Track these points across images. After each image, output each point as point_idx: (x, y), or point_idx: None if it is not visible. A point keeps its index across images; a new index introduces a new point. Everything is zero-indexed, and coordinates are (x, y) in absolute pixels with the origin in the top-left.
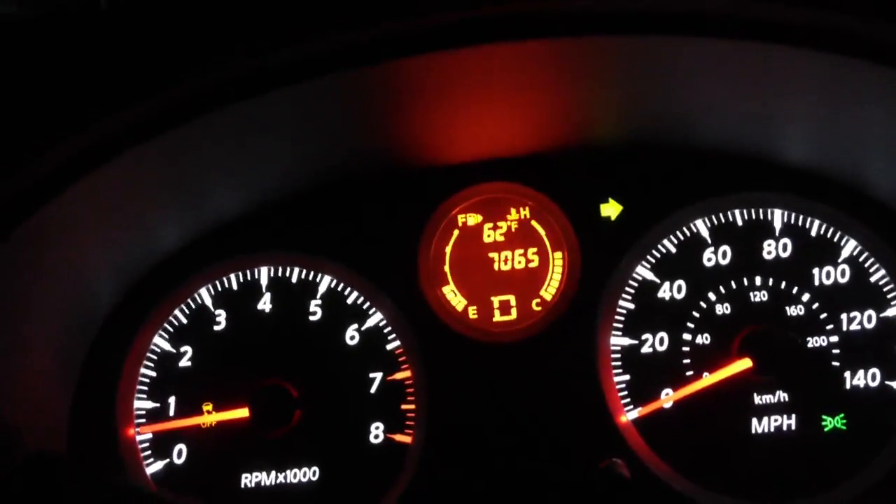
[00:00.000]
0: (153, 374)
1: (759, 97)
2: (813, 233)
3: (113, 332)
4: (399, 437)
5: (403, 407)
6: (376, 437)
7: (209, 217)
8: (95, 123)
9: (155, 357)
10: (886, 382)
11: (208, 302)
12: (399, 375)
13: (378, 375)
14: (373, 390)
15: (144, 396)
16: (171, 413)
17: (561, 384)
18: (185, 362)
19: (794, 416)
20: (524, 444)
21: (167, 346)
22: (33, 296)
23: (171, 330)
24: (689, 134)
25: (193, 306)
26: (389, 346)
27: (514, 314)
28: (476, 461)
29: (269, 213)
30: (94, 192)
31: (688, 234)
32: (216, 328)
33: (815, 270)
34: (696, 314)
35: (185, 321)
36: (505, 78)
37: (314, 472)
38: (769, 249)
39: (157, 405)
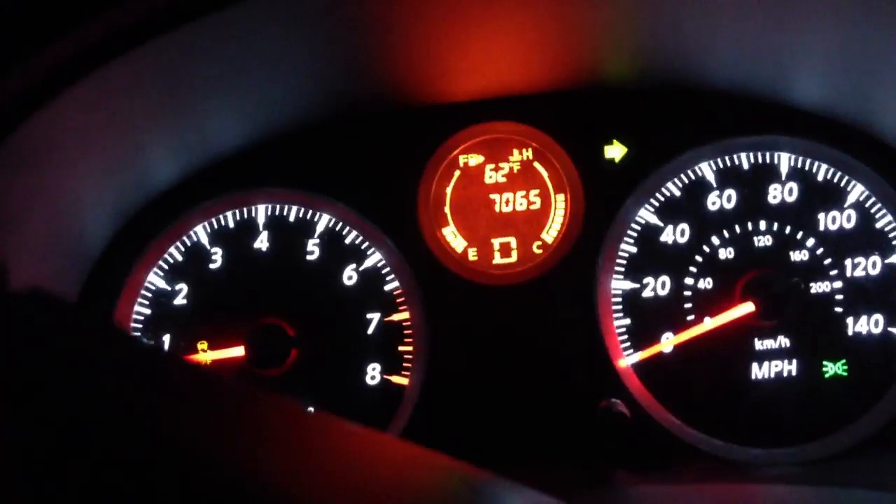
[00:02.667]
0: (148, 311)
1: (770, 32)
2: (819, 177)
3: (107, 269)
4: (396, 379)
5: (401, 348)
6: (373, 378)
7: (205, 151)
8: (66, 33)
9: (150, 295)
10: (889, 329)
11: (204, 240)
12: (397, 317)
13: (376, 316)
14: (370, 331)
15: (139, 334)
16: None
17: (560, 328)
18: (180, 300)
19: (794, 361)
20: (522, 388)
21: (162, 284)
22: (21, 230)
23: (167, 267)
24: (697, 75)
25: (189, 244)
26: (388, 287)
27: (514, 256)
28: (473, 404)
29: (267, 149)
30: (80, 109)
31: (692, 177)
32: (212, 266)
33: (821, 215)
34: (698, 258)
35: (180, 259)
36: (510, 9)
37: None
38: (775, 194)
39: (152, 343)
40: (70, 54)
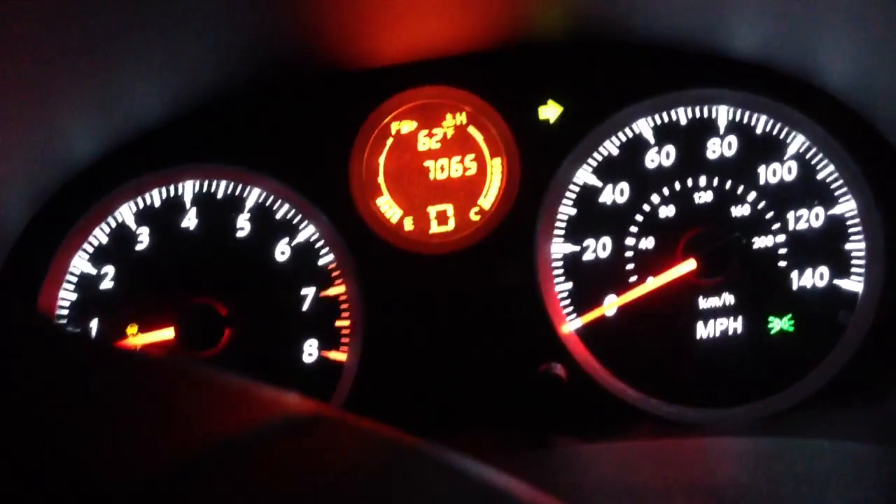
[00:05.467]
0: (73, 297)
1: None
2: (759, 129)
3: (27, 254)
4: (334, 355)
5: (338, 323)
6: (310, 355)
7: (127, 126)
8: None
9: (75, 279)
10: (835, 282)
11: (130, 220)
12: (332, 291)
13: (310, 291)
14: (305, 307)
15: (65, 321)
16: (94, 337)
17: (501, 295)
18: (106, 284)
19: (740, 318)
20: (463, 358)
21: (88, 268)
22: None
23: (91, 250)
24: (631, 28)
25: (114, 224)
26: (322, 261)
27: (451, 224)
28: (413, 375)
29: (191, 122)
30: None
31: (630, 135)
32: (139, 247)
33: (761, 168)
34: (639, 218)
35: (105, 241)
36: None
37: None
38: (714, 148)
39: (79, 330)
40: None
